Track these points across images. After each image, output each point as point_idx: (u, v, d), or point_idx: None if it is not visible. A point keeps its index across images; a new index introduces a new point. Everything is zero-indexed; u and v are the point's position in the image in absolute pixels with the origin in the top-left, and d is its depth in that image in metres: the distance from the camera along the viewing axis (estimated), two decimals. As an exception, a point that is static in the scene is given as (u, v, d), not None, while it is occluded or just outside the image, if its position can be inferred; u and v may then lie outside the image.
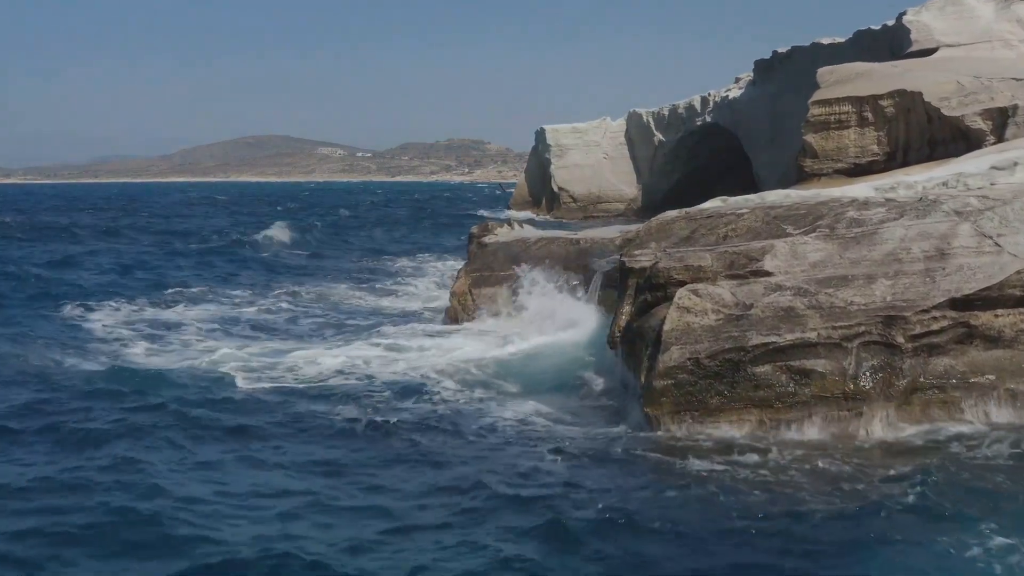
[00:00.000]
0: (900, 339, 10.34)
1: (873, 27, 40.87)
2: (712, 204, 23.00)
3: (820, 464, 9.63)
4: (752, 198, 22.73)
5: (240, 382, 14.18)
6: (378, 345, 16.83)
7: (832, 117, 28.53)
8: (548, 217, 61.44)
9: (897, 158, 28.38)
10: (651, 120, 60.07)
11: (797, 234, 12.06)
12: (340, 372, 14.88)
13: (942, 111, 26.77)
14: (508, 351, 15.67)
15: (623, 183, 62.09)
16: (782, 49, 49.49)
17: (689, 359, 10.19)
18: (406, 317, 20.52)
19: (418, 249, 40.33)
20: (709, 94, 56.34)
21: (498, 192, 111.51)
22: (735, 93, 54.44)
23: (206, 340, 17.95)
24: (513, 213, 64.70)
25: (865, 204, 12.73)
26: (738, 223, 13.01)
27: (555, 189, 62.44)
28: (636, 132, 61.62)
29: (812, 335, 10.19)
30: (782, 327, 10.28)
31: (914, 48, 34.42)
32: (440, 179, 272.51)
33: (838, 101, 28.40)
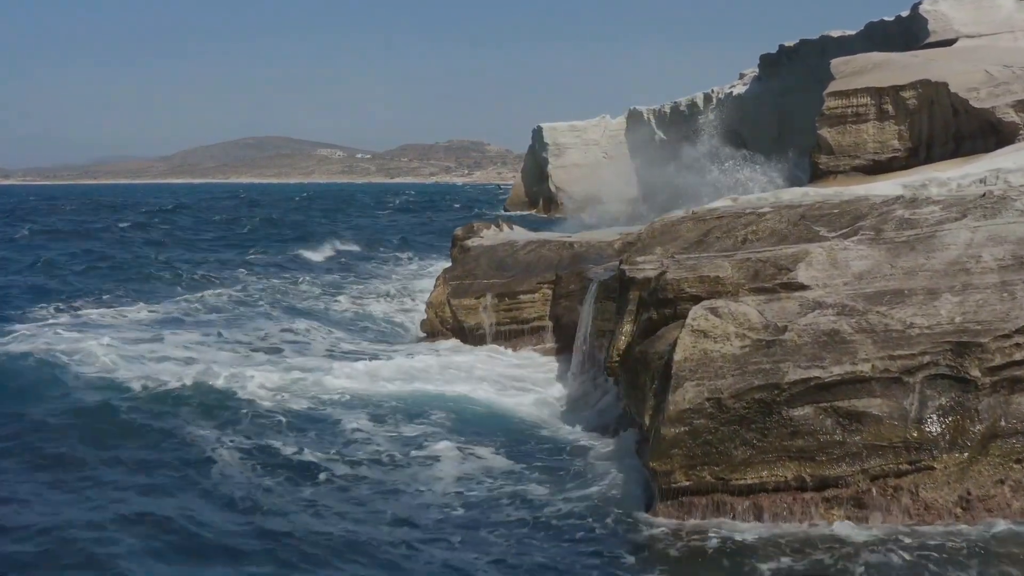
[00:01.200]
0: (975, 372, 8.11)
1: (886, 18, 38.87)
2: (722, 203, 20.87)
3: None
4: (766, 196, 20.58)
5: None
6: (296, 367, 14.45)
7: (849, 110, 26.28)
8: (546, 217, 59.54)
9: (920, 154, 26.15)
10: (652, 117, 58.16)
11: (834, 237, 9.88)
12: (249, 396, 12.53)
13: (970, 103, 24.57)
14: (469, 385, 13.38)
15: (623, 183, 59.99)
16: (789, 43, 47.51)
17: (708, 399, 7.94)
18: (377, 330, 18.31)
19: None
20: (712, 91, 54.55)
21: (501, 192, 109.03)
22: (740, 89, 52.74)
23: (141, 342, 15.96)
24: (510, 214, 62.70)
25: (914, 201, 10.57)
26: (759, 224, 10.85)
27: (552, 190, 60.42)
28: (636, 130, 59.58)
29: (865, 368, 7.94)
30: (826, 357, 8.04)
31: (931, 39, 32.30)
32: (440, 180, 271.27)
33: (856, 93, 26.15)
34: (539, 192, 63.25)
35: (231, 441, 10.55)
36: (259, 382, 12.96)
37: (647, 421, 8.60)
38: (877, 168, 26.35)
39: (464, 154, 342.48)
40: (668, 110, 57.19)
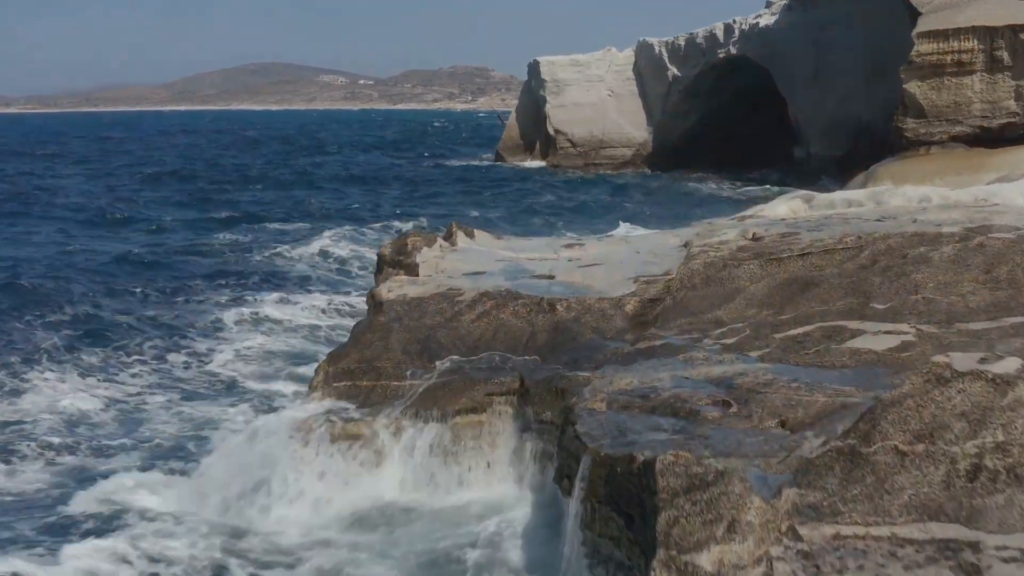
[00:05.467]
0: None
1: (959, -66, 31.34)
2: (788, 205, 15.20)
3: None
4: (858, 198, 14.06)
5: None
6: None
7: (948, 57, 19.13)
8: (544, 164, 52.87)
9: (1044, 119, 19.09)
10: (664, 51, 50.99)
11: None
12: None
13: None
14: None
15: (631, 125, 53.13)
16: (830, -35, 40.32)
17: None
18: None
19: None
20: (734, 21, 47.47)
21: (500, 122, 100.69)
22: (767, 20, 45.78)
23: None
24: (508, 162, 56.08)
25: None
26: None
27: (551, 132, 53.48)
28: (647, 65, 52.46)
29: None
30: None
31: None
32: (443, 107, 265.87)
33: (958, 33, 18.94)
34: (535, 134, 56.19)
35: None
36: None
37: None
38: (985, 138, 19.25)
39: (468, 80, 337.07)
40: (683, 42, 49.98)
